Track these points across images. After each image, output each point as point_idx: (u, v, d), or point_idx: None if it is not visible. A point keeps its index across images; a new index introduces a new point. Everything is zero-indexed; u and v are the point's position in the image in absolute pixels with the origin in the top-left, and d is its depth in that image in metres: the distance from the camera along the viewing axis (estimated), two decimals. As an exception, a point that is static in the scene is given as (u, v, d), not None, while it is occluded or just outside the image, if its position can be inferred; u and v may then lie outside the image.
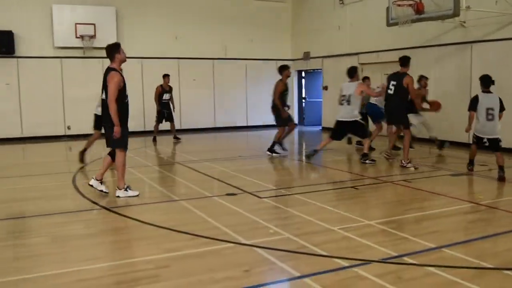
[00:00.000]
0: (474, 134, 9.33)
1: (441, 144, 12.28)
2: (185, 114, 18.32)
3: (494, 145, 9.09)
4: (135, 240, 5.75)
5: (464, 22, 13.02)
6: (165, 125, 15.52)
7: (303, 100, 21.18)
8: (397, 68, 10.67)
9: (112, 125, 7.38)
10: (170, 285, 4.38)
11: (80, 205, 7.35)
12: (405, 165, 10.17)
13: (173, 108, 15.58)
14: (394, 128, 11.17)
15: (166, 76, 15.29)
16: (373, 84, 13.24)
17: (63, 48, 16.66)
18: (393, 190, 8.47)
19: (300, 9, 20.28)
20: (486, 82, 9.22)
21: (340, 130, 11.25)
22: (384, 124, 11.86)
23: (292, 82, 20.89)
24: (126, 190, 7.71)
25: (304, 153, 11.95)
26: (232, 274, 4.59)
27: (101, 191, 7.74)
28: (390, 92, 10.43)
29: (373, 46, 16.29)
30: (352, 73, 11.17)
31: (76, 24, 16.51)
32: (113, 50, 7.52)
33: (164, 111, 15.29)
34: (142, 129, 17.20)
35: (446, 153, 12.05)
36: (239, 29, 19.52)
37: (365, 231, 5.89)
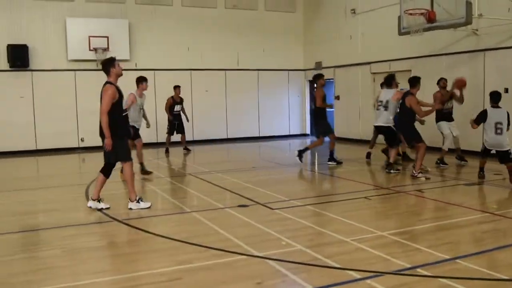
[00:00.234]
0: (483, 145, 9.59)
1: (461, 157, 12.03)
2: (197, 125, 18.35)
3: (504, 158, 9.27)
4: (147, 253, 5.74)
5: (477, 30, 12.95)
6: (176, 137, 15.57)
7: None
8: (409, 76, 10.71)
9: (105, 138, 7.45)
10: (182, 298, 4.38)
11: (92, 218, 7.38)
12: (416, 175, 10.13)
13: (187, 119, 15.64)
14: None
15: (176, 88, 15.38)
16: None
17: (77, 61, 16.82)
18: (406, 200, 8.40)
19: (311, 19, 20.31)
20: (496, 98, 9.51)
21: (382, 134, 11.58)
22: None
23: (304, 92, 20.93)
24: (138, 202, 7.73)
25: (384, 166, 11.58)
26: (244, 287, 4.58)
27: (102, 209, 7.72)
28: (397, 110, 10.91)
29: (384, 55, 16.24)
30: (389, 81, 11.48)
31: (89, 37, 16.66)
32: (108, 64, 7.63)
33: (175, 122, 15.35)
34: (154, 141, 17.27)
35: (459, 162, 11.94)
36: (251, 39, 19.58)
37: (378, 242, 5.84)
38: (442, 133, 11.73)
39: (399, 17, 12.65)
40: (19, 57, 15.95)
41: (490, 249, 5.57)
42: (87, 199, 8.30)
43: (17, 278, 4.96)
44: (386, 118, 11.12)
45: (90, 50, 16.67)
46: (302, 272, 4.95)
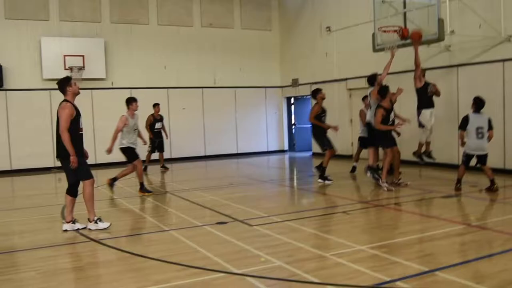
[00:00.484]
0: (464, 152, 9.83)
1: (421, 156, 11.71)
2: (175, 143, 18.27)
3: (483, 160, 9.70)
4: (124, 272, 5.64)
5: (450, 46, 13.20)
6: (154, 155, 15.48)
7: (293, 126, 21.24)
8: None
9: (65, 158, 7.36)
10: (160, 318, 4.31)
11: (68, 238, 7.25)
12: (380, 184, 10.46)
13: (166, 136, 15.66)
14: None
15: (156, 105, 15.38)
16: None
17: (52, 80, 16.58)
18: (385, 214, 8.44)
19: (287, 37, 20.50)
20: (479, 104, 9.82)
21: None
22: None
23: (282, 108, 21.03)
24: (96, 222, 7.60)
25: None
26: (223, 305, 4.53)
27: (78, 229, 7.59)
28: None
29: (360, 71, 16.38)
30: (372, 80, 11.52)
31: (64, 56, 16.55)
32: (64, 84, 7.61)
33: (156, 140, 15.32)
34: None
35: (436, 175, 12.04)
36: (228, 57, 19.66)
37: (357, 256, 5.84)
38: (422, 124, 11.29)
39: (373, 34, 12.82)
40: (-7, 77, 15.77)
41: (468, 260, 5.62)
42: (63, 219, 8.17)
43: (-10, 301, 4.84)
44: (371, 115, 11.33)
45: (65, 69, 16.51)
46: (282, 288, 4.92)
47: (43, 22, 16.72)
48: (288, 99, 21.25)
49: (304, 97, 20.34)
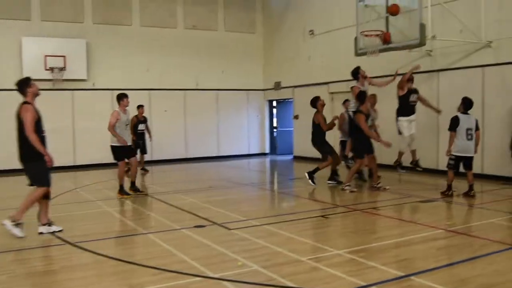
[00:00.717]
0: (452, 155, 9.80)
1: (400, 165, 11.81)
2: (156, 145, 18.15)
3: (469, 163, 9.75)
4: (99, 276, 5.57)
5: (431, 51, 13.31)
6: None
7: (275, 130, 21.26)
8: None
9: (28, 161, 7.25)
10: (133, 323, 4.25)
11: (44, 241, 7.15)
12: (343, 187, 10.77)
13: (150, 138, 15.57)
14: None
15: (140, 107, 15.30)
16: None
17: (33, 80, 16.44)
18: (363, 218, 8.45)
19: (270, 40, 20.52)
20: (468, 105, 9.87)
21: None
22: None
23: (264, 111, 21.03)
24: (16, 225, 7.27)
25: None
26: (197, 309, 4.49)
27: (54, 232, 7.46)
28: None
29: (342, 75, 16.40)
30: (355, 74, 11.69)
31: (45, 56, 16.39)
32: (23, 85, 7.49)
33: (139, 141, 15.22)
34: (112, 161, 16.96)
35: (415, 180, 12.12)
36: (211, 60, 19.62)
37: (334, 261, 5.84)
38: (400, 131, 11.45)
39: (356, 38, 12.87)
40: (-28, 77, 15.55)
41: (445, 265, 5.63)
42: (39, 221, 8.06)
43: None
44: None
45: (46, 69, 16.38)
46: (257, 292, 4.89)
47: (24, 22, 16.54)
48: (271, 102, 21.26)
49: (287, 100, 20.38)
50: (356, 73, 11.86)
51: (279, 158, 19.98)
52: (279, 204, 10.84)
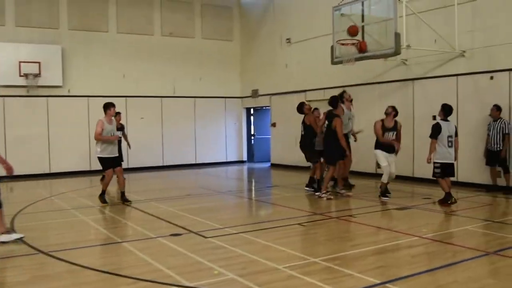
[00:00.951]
0: (437, 163, 9.80)
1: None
2: (132, 153, 17.98)
3: (452, 170, 9.87)
4: (72, 286, 5.48)
5: (406, 60, 13.50)
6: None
7: (252, 137, 21.27)
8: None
9: None
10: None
11: (15, 250, 7.00)
12: (320, 195, 10.91)
13: (129, 146, 15.16)
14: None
15: (117, 114, 15.02)
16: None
17: (6, 86, 16.21)
18: (339, 226, 8.48)
19: (248, 47, 20.57)
20: (448, 111, 9.92)
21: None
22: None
23: (241, 119, 21.04)
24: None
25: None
26: (172, 319, 4.44)
27: (17, 240, 7.25)
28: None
29: (319, 83, 16.60)
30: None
31: (20, 62, 16.16)
32: None
33: (116, 149, 15.00)
34: (88, 169, 16.84)
35: (392, 187, 12.17)
36: (188, 67, 19.59)
37: (310, 269, 5.84)
38: (378, 163, 11.40)
39: (332, 47, 12.97)
40: None
41: (419, 272, 5.66)
42: (13, 230, 7.92)
43: None
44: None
45: (20, 75, 16.15)
46: (233, 301, 4.86)
47: (-2, 27, 16.32)
48: (248, 109, 21.28)
49: (264, 108, 20.42)
50: (341, 98, 11.81)
51: (257, 165, 19.99)
52: (256, 212, 10.82)
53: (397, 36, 11.37)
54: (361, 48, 12.06)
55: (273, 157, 19.48)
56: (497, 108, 11.26)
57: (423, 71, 13.26)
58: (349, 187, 12.06)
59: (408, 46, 12.29)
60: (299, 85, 17.69)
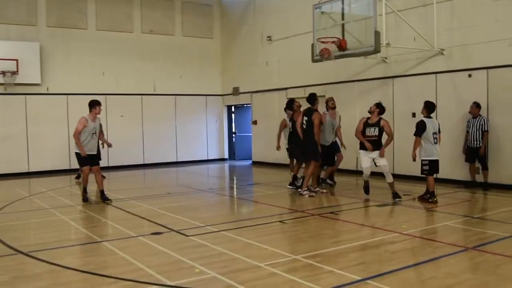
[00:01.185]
0: (426, 161, 9.80)
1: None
2: (112, 151, 17.80)
3: (437, 167, 9.87)
4: (53, 287, 5.43)
5: (386, 58, 13.60)
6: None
7: (233, 135, 21.24)
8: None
9: None
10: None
11: (-6, 251, 6.92)
12: (301, 192, 10.95)
13: (108, 144, 14.79)
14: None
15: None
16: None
17: (-18, 84, 15.99)
18: (320, 223, 8.51)
19: (228, 45, 20.53)
20: (431, 108, 9.94)
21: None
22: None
23: (222, 117, 21.00)
24: None
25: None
26: (153, 318, 4.42)
27: None
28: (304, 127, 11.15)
29: (300, 81, 16.63)
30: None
31: (-4, 59, 15.94)
32: None
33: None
34: (67, 167, 16.66)
35: (373, 184, 12.25)
36: (168, 64, 19.49)
37: (291, 266, 5.86)
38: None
39: (312, 45, 13.00)
40: None
41: (400, 268, 5.71)
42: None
43: None
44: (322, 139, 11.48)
45: (-3, 73, 15.93)
46: (215, 300, 4.86)
47: (-26, 24, 16.06)
48: (229, 107, 21.25)
49: (245, 105, 20.41)
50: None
51: (238, 163, 19.98)
52: (237, 210, 10.81)
53: (377, 34, 11.44)
54: (341, 46, 12.12)
55: (255, 155, 19.49)
56: (476, 106, 11.40)
57: (402, 69, 13.37)
58: (333, 183, 12.19)
59: (388, 44, 12.37)
60: (280, 83, 17.73)
